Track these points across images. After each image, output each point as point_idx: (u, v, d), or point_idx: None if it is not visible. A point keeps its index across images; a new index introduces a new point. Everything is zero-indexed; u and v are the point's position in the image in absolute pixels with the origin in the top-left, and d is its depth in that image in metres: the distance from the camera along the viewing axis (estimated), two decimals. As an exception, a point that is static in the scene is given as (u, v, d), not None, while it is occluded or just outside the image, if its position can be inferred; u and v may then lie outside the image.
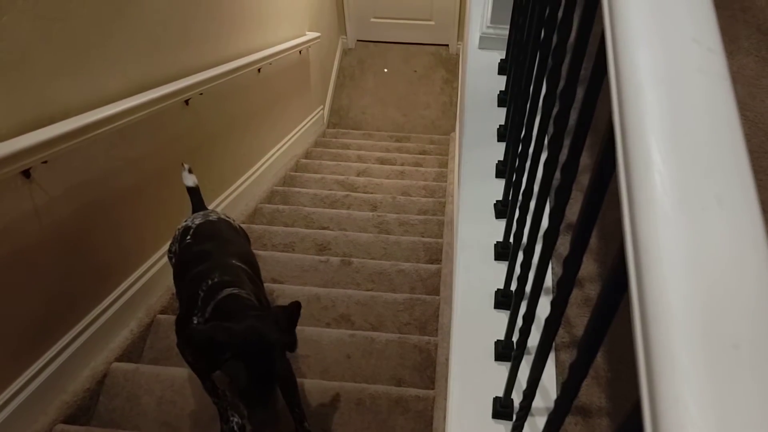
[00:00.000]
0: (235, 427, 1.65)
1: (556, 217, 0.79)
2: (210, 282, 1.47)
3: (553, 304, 0.74)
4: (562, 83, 0.81)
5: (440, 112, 5.55)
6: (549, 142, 0.84)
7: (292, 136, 4.20)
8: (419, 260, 2.91)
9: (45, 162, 1.63)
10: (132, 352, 2.14)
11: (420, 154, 4.74)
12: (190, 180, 1.99)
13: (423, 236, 3.14)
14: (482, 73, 1.89)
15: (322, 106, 5.18)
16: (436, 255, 2.95)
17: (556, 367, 1.31)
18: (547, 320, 0.77)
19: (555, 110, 0.82)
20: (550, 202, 0.88)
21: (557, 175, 0.86)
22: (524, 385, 1.01)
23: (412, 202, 3.60)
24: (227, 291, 1.44)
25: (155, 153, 2.26)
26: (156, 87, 2.16)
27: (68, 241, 1.80)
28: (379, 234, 3.12)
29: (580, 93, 0.75)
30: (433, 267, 2.74)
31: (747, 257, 0.33)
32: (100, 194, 1.92)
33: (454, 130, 4.68)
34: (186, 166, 1.97)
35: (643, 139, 0.38)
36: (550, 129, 0.85)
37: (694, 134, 0.38)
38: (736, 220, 0.34)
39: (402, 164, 4.44)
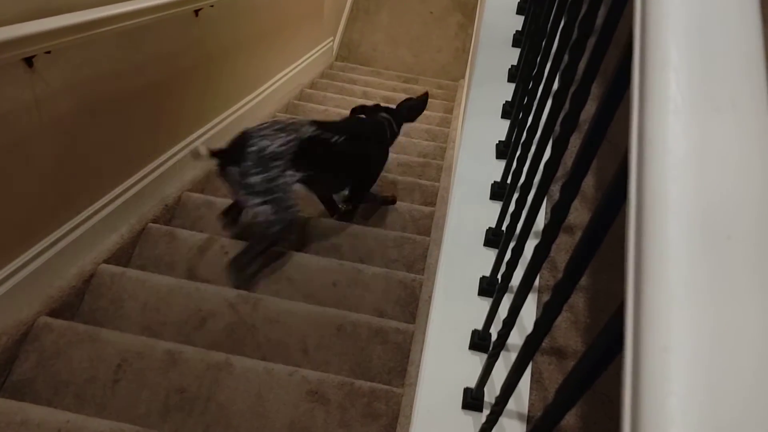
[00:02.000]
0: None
1: (560, 147, 0.79)
2: None
3: (545, 229, 0.74)
4: (582, 11, 0.79)
5: (452, 57, 5.46)
6: (562, 72, 0.83)
7: (300, 63, 4.13)
8: (414, 201, 2.91)
9: (48, 52, 1.60)
10: (120, 257, 2.16)
11: (426, 97, 4.69)
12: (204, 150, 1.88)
13: (420, 179, 3.13)
14: (500, 11, 1.84)
15: (332, 38, 5.09)
16: (431, 198, 2.95)
17: (537, 308, 1.33)
18: (536, 247, 0.78)
19: (573, 38, 0.80)
20: (554, 136, 0.88)
21: (562, 115, 0.85)
22: (505, 318, 1.02)
23: (412, 144, 3.58)
24: None
25: (161, 61, 2.22)
26: (167, -8, 2.11)
27: (66, 137, 1.79)
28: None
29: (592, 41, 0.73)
30: (427, 209, 2.75)
31: (753, 160, 0.33)
32: (102, 94, 1.90)
33: (463, 77, 4.62)
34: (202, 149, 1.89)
35: (663, 37, 0.38)
36: (565, 60, 0.84)
37: (716, 38, 0.37)
38: (747, 124, 0.34)
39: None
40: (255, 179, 1.86)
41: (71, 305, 1.93)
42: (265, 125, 1.95)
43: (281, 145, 1.89)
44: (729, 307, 0.28)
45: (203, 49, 2.56)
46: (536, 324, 0.71)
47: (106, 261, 2.07)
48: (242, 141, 1.89)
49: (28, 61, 1.56)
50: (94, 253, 2.04)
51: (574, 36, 0.79)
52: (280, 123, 1.97)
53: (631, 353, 0.31)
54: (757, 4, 0.40)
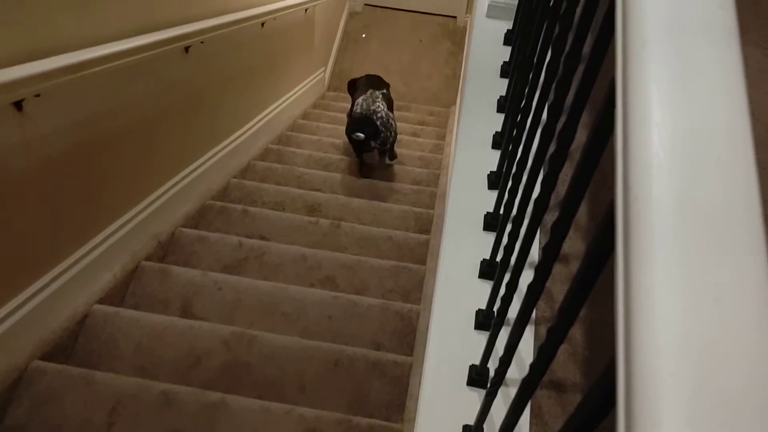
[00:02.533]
0: None
1: (549, 183, 0.78)
2: None
3: (537, 268, 0.74)
4: (567, 49, 0.79)
5: (442, 84, 5.50)
6: (549, 109, 0.83)
7: (292, 95, 4.15)
8: (409, 229, 2.91)
9: (38, 95, 1.60)
10: (114, 296, 2.14)
11: (418, 124, 4.71)
12: None
13: (414, 206, 3.13)
14: (488, 42, 1.86)
15: (324, 68, 5.12)
16: (426, 225, 2.95)
17: (535, 340, 1.31)
18: (530, 285, 0.77)
19: (558, 76, 0.80)
20: (544, 169, 0.87)
21: (553, 146, 0.85)
22: (502, 356, 1.01)
23: (406, 172, 3.58)
24: None
25: (152, 98, 2.22)
26: (156, 31, 2.12)
27: (57, 178, 1.78)
28: (371, 200, 3.11)
29: (581, 69, 0.74)
30: (422, 237, 2.74)
31: (737, 208, 0.32)
32: (93, 134, 1.90)
33: (454, 103, 4.65)
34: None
35: (645, 92, 0.37)
36: (551, 95, 0.84)
37: (698, 90, 0.37)
38: (731, 177, 0.33)
39: (400, 133, 4.40)
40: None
41: (65, 348, 1.91)
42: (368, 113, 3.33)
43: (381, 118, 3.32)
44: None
45: (194, 84, 2.57)
46: (532, 366, 0.70)
47: (100, 301, 2.05)
48: (371, 124, 3.26)
49: (18, 105, 1.56)
50: (87, 294, 2.02)
51: (560, 73, 0.79)
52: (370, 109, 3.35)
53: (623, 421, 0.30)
54: (739, 58, 0.40)
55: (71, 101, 1.77)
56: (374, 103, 3.36)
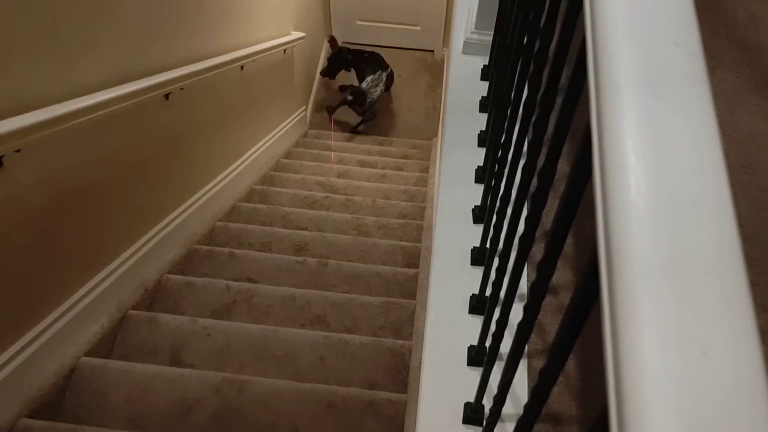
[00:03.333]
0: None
1: (532, 221, 0.79)
2: None
3: (525, 308, 0.74)
4: (542, 88, 0.80)
5: (423, 116, 5.55)
6: (528, 146, 0.84)
7: (274, 135, 4.17)
8: (397, 264, 2.90)
9: (18, 151, 1.60)
10: (101, 348, 2.11)
11: (402, 158, 4.74)
12: None
13: (401, 240, 3.13)
14: (465, 78, 1.88)
15: (305, 107, 5.16)
16: (414, 259, 2.94)
17: (528, 374, 1.31)
18: (519, 324, 0.77)
19: (535, 115, 0.81)
20: (527, 206, 0.88)
21: (535, 181, 0.86)
22: (495, 394, 1.01)
23: (391, 206, 3.59)
24: None
25: (133, 146, 2.22)
26: (136, 80, 2.13)
27: (39, 232, 1.77)
28: (358, 236, 3.10)
29: (560, 100, 0.75)
30: (411, 271, 2.74)
31: (724, 257, 0.33)
32: (75, 185, 1.89)
33: (436, 135, 4.69)
34: None
35: (620, 140, 0.38)
36: (530, 133, 0.85)
37: (671, 136, 0.38)
38: (710, 222, 0.34)
39: (383, 167, 4.43)
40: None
41: (52, 403, 1.87)
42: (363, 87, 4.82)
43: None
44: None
45: (175, 130, 2.57)
46: (526, 408, 0.69)
47: (87, 353, 2.02)
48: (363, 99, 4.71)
49: (-2, 162, 1.56)
50: (74, 347, 1.99)
51: (536, 112, 0.81)
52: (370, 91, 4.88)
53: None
54: (709, 100, 0.41)
55: (52, 154, 1.76)
56: (376, 87, 4.97)
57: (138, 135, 2.25)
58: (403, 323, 2.38)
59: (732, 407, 0.28)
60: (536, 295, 0.70)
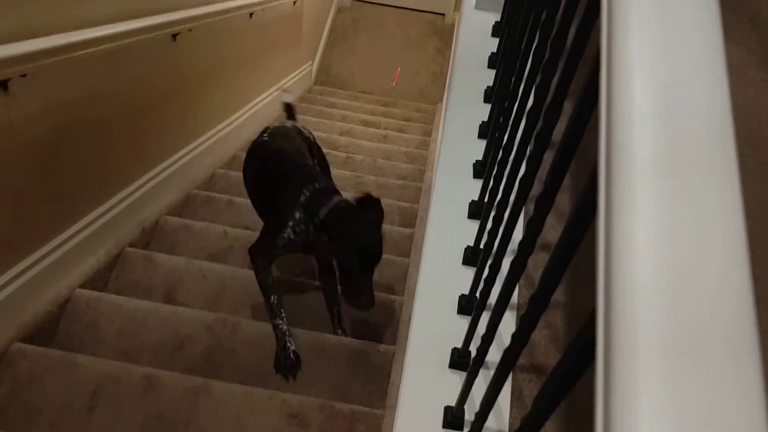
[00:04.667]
0: (291, 355, 1.79)
1: (534, 163, 0.80)
2: (316, 187, 1.75)
3: (520, 245, 0.75)
4: (553, 31, 0.81)
5: (430, 81, 5.52)
6: (536, 90, 0.84)
7: (278, 87, 4.15)
8: (393, 223, 2.92)
9: (24, 75, 1.59)
10: (97, 281, 2.13)
11: (405, 120, 4.73)
12: (289, 97, 2.60)
13: (399, 200, 3.14)
14: (476, 34, 1.88)
15: (311, 62, 5.12)
16: (411, 220, 2.96)
17: (516, 324, 1.33)
18: (512, 262, 0.78)
19: (545, 58, 0.82)
20: (529, 150, 0.89)
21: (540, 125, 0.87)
22: (483, 334, 1.03)
23: (392, 167, 3.59)
24: (337, 198, 1.71)
25: (139, 84, 2.21)
26: (144, 17, 2.12)
27: (42, 160, 1.77)
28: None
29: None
30: (406, 231, 2.75)
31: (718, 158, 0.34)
32: (79, 117, 1.89)
33: (441, 100, 4.67)
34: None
35: (628, 54, 0.39)
36: (539, 77, 0.86)
37: (679, 53, 0.38)
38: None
39: (386, 128, 4.42)
40: None
41: (46, 331, 1.90)
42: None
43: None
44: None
45: (182, 72, 2.56)
46: (513, 337, 0.71)
47: (82, 286, 2.04)
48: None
49: (3, 85, 1.55)
50: (69, 278, 2.01)
51: (546, 55, 0.81)
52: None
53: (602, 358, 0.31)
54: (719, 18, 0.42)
55: (58, 84, 1.76)
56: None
57: (144, 74, 2.24)
58: (396, 280, 2.40)
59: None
60: (533, 229, 0.71)
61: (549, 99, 0.73)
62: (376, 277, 2.42)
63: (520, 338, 0.69)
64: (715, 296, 0.30)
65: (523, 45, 1.10)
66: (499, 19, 1.90)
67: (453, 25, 5.93)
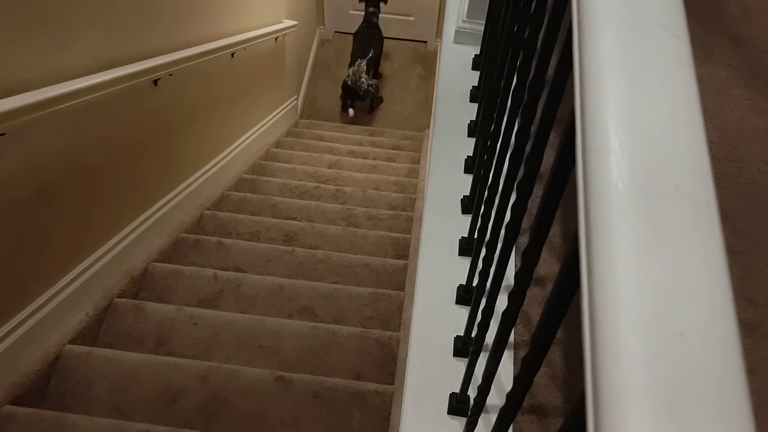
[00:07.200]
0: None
1: (519, 209, 0.78)
2: None
3: (510, 296, 0.73)
4: (531, 74, 0.80)
5: (415, 108, 5.54)
6: (516, 134, 0.83)
7: (264, 124, 4.14)
8: (386, 255, 2.90)
9: (2, 134, 1.58)
10: (87, 336, 2.09)
11: (393, 149, 4.73)
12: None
13: (391, 231, 3.12)
14: (456, 68, 1.87)
15: (296, 96, 5.13)
16: (404, 250, 2.94)
17: (514, 365, 1.30)
18: (504, 312, 0.76)
19: (523, 102, 0.81)
20: (514, 195, 0.87)
21: (522, 170, 0.85)
22: (480, 384, 1.00)
23: (382, 197, 3.58)
24: None
25: (122, 131, 2.20)
26: (123, 65, 2.11)
27: (25, 218, 1.75)
28: (347, 227, 3.09)
29: (547, 92, 0.74)
30: (400, 262, 2.73)
31: (697, 262, 0.32)
32: (62, 171, 1.87)
33: (428, 126, 4.67)
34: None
35: (602, 124, 0.37)
36: (518, 120, 0.84)
37: (654, 120, 0.37)
38: (694, 207, 0.33)
39: (374, 158, 4.42)
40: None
41: (37, 391, 1.86)
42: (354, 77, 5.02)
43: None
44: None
45: (165, 116, 2.55)
46: (509, 396, 0.69)
47: (72, 341, 2.00)
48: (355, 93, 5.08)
49: (-19, 145, 1.53)
50: (59, 335, 1.98)
51: (525, 98, 0.80)
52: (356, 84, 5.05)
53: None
54: (692, 73, 0.40)
55: (38, 139, 1.74)
56: (359, 80, 4.99)
57: (126, 121, 2.23)
58: (392, 314, 2.37)
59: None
60: (522, 281, 0.69)
61: (529, 147, 0.72)
62: (371, 312, 2.41)
63: (516, 397, 0.67)
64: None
65: (502, 84, 1.09)
66: (478, 52, 1.90)
67: (435, 51, 5.96)
